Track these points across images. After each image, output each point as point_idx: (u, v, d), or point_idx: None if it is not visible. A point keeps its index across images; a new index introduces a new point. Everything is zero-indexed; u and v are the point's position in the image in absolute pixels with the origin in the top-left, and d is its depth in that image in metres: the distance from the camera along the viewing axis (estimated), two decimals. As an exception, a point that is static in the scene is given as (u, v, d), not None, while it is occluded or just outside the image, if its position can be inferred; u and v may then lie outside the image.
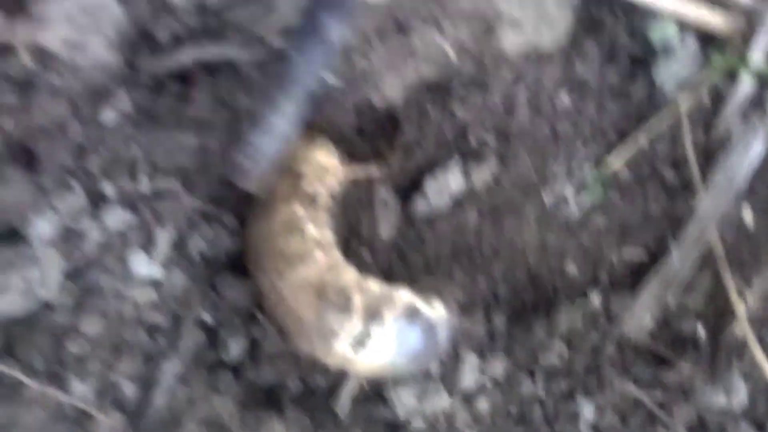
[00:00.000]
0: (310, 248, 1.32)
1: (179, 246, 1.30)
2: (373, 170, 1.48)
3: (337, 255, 1.35)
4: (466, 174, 1.49)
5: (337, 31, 1.11)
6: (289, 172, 1.36)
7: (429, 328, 1.32)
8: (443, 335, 1.35)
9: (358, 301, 1.29)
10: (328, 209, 1.38)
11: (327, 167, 1.40)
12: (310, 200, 1.35)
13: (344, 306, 1.29)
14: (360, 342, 1.29)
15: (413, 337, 1.31)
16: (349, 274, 1.33)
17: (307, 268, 1.31)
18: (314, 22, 1.09)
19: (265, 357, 1.38)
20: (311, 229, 1.33)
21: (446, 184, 1.48)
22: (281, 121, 1.22)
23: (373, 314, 1.29)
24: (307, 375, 1.43)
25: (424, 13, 1.30)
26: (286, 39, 1.15)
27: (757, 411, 1.47)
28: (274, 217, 1.34)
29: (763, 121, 1.46)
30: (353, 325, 1.28)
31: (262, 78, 1.22)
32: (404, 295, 1.32)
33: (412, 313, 1.31)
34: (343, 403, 1.42)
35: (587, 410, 1.47)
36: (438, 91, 1.48)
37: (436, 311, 1.33)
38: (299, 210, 1.34)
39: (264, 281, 1.34)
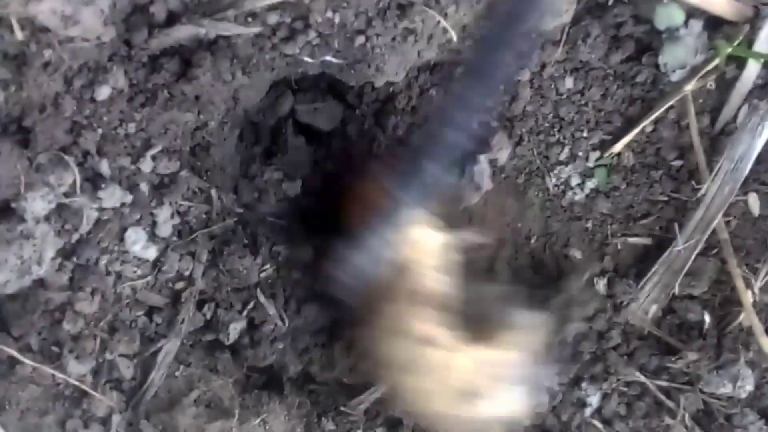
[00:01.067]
0: (418, 353, 1.25)
1: (178, 225, 1.27)
2: (484, 238, 1.41)
3: (448, 344, 1.27)
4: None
5: (438, 178, 1.13)
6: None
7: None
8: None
9: (482, 384, 1.26)
10: (436, 297, 1.28)
11: (429, 249, 1.29)
12: (414, 294, 1.26)
13: (473, 395, 1.25)
14: (498, 409, 1.27)
15: (536, 372, 1.31)
16: (464, 360, 1.26)
17: (421, 375, 1.25)
18: (418, 168, 1.12)
19: (265, 338, 1.35)
20: (418, 329, 1.25)
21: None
22: (381, 246, 1.22)
23: (497, 383, 1.26)
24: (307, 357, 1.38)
25: (425, -6, 1.26)
26: (392, 179, 1.16)
27: (763, 400, 1.46)
28: (378, 323, 1.27)
29: (770, 108, 1.41)
30: (486, 405, 1.25)
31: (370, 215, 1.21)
32: (513, 344, 1.28)
33: (527, 358, 1.28)
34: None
35: (593, 397, 1.43)
36: (439, 73, 1.43)
37: (536, 324, 1.31)
38: (401, 309, 1.26)
39: (387, 388, 1.35)
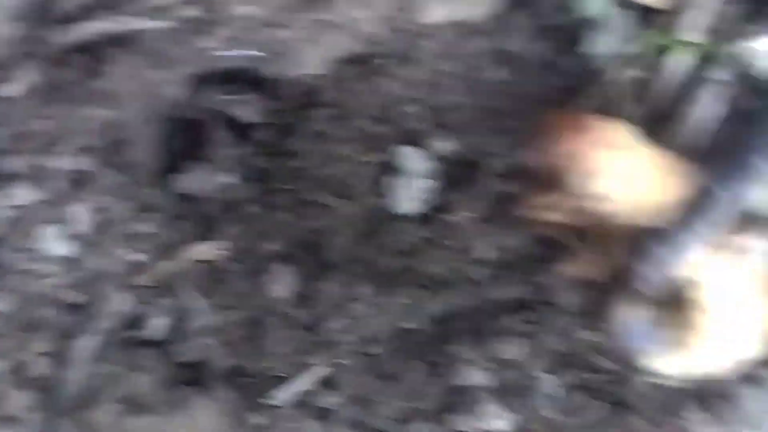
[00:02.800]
0: None
1: (96, 222, 1.23)
2: None
3: None
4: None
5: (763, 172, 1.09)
6: None
7: None
8: None
9: None
10: None
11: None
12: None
13: None
14: None
15: None
16: None
17: None
18: (743, 163, 1.08)
19: (190, 333, 1.31)
20: None
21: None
22: (693, 242, 1.16)
23: None
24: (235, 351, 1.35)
25: (346, -16, 1.24)
26: (711, 174, 1.11)
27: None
28: None
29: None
30: None
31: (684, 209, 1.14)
32: None
33: None
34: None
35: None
36: (362, 65, 1.41)
37: None
38: None
39: None
